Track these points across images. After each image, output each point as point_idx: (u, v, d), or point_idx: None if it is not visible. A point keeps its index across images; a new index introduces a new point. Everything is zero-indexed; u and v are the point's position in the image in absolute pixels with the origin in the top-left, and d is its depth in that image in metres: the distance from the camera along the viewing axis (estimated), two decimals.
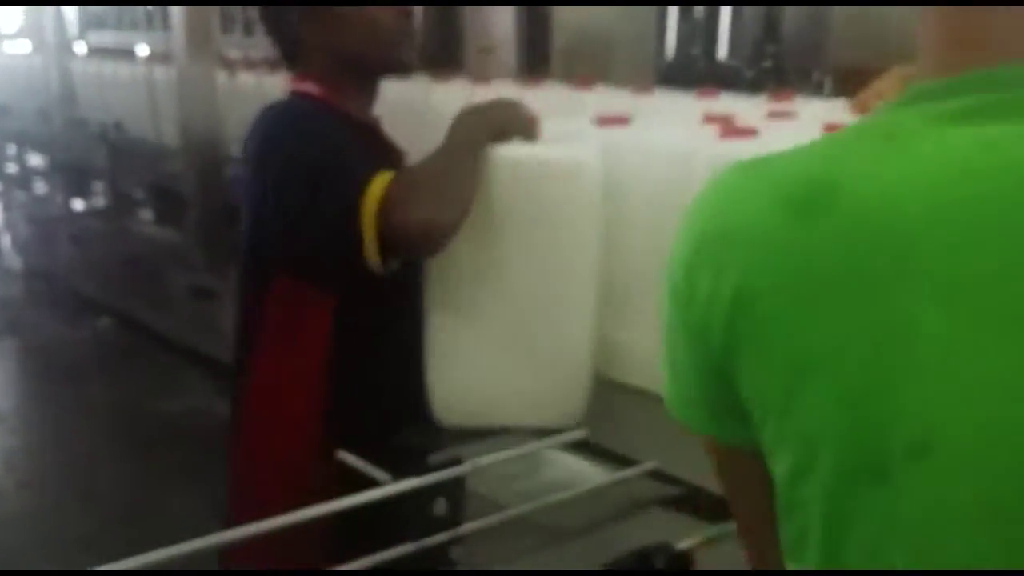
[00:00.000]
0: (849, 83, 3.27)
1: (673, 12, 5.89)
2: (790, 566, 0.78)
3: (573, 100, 2.97)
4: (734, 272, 0.73)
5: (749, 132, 1.75)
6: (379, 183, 1.51)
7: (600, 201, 1.59)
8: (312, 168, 1.55)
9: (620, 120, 1.90)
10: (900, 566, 0.68)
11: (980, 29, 0.72)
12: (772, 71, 5.48)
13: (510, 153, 1.58)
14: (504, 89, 3.34)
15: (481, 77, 3.61)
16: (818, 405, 0.69)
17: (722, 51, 5.88)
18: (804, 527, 0.73)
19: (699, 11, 5.91)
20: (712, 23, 5.88)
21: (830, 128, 1.81)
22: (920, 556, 0.68)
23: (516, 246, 1.56)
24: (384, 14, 1.68)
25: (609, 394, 1.72)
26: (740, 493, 0.87)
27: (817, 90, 4.68)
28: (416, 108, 3.07)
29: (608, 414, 1.68)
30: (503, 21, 4.05)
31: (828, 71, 5.09)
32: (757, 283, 0.71)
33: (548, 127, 1.71)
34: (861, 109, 2.32)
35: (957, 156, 0.68)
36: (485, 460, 1.24)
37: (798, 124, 2.07)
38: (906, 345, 0.66)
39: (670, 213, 1.65)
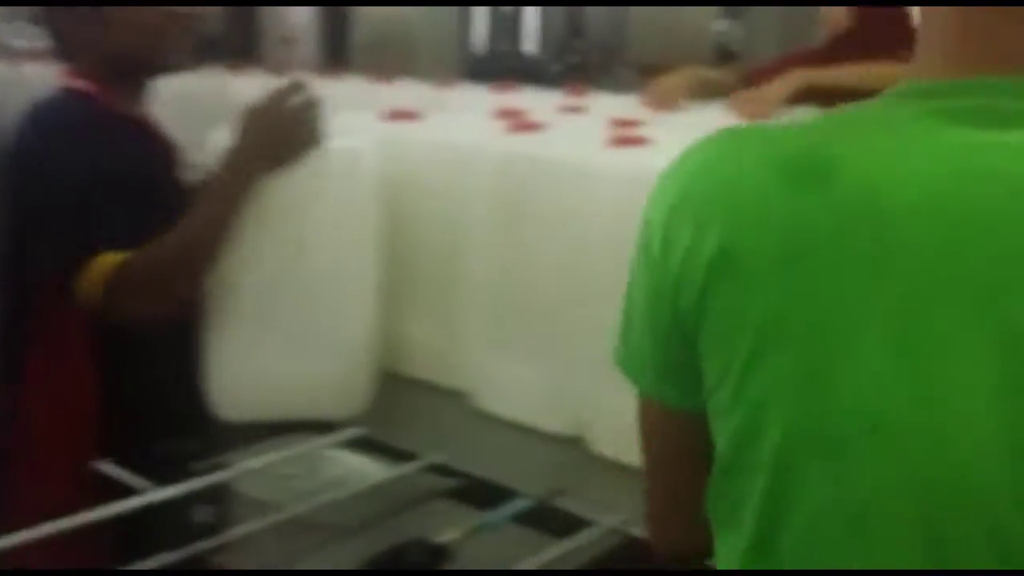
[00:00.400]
0: (648, 78, 3.36)
1: (481, 7, 5.91)
2: (719, 532, 0.79)
3: (372, 93, 2.94)
4: (718, 228, 0.72)
5: (535, 126, 1.76)
6: (103, 265, 1.46)
7: (377, 193, 1.57)
8: (66, 187, 1.51)
9: (409, 115, 1.89)
10: (839, 540, 0.70)
11: (991, 36, 0.73)
12: (577, 66, 5.59)
13: None
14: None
15: (280, 69, 3.54)
16: (781, 372, 0.71)
17: (529, 46, 5.95)
18: (743, 493, 0.74)
19: (506, 7, 5.96)
20: (519, 19, 5.94)
21: (617, 122, 1.84)
22: (860, 532, 0.69)
23: (293, 237, 1.53)
24: (154, 16, 1.62)
25: (395, 390, 1.71)
26: (669, 456, 0.86)
27: (618, 84, 4.78)
28: (212, 101, 2.99)
29: (395, 410, 1.67)
30: (302, 12, 3.97)
31: (629, 66, 5.23)
32: (741, 242, 0.72)
33: (331, 122, 1.68)
34: (652, 104, 2.38)
35: (951, 156, 0.70)
36: (250, 463, 1.21)
37: (586, 119, 2.10)
38: (874, 327, 0.68)
39: (457, 208, 1.67)
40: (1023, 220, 0.67)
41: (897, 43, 2.69)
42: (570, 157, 1.53)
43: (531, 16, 5.94)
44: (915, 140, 0.71)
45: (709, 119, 2.08)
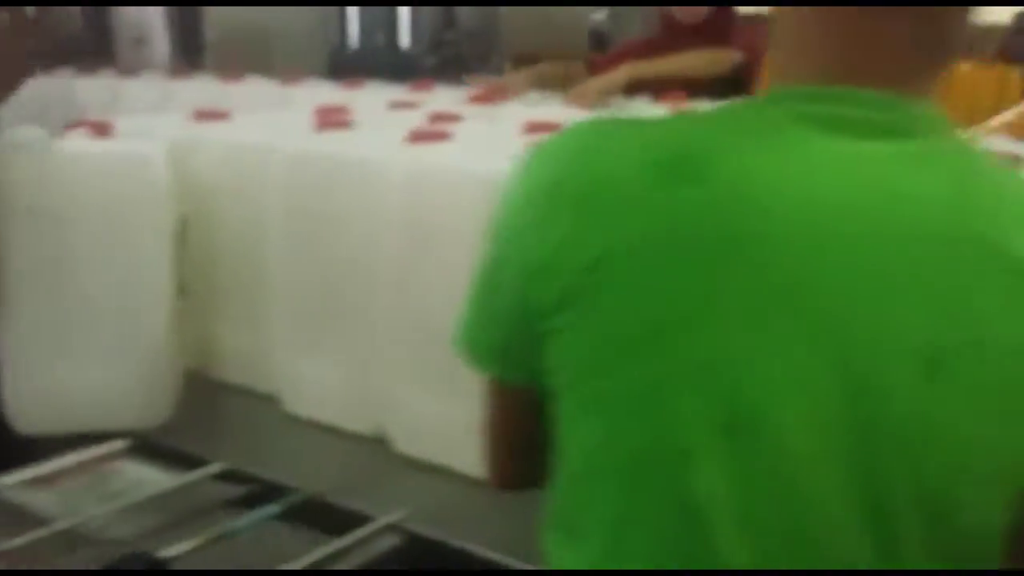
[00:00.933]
0: (522, 66, 3.38)
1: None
2: (552, 531, 0.80)
3: (219, 92, 2.90)
4: (602, 224, 0.71)
5: (344, 124, 1.75)
6: None
7: (168, 197, 1.54)
8: None
9: (218, 115, 1.86)
10: (685, 540, 0.71)
11: (865, 47, 0.74)
12: (452, 58, 5.59)
13: (73, 148, 1.53)
14: (153, 81, 3.26)
15: (131, 69, 3.48)
16: (646, 372, 0.71)
17: (404, 40, 5.95)
18: (596, 497, 0.75)
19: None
20: (392, 14, 5.93)
21: (434, 117, 1.84)
22: (710, 535, 0.70)
23: (83, 242, 1.49)
24: None
25: (208, 395, 1.69)
26: (502, 421, 0.88)
27: (495, 74, 4.81)
28: (61, 102, 2.92)
29: (205, 415, 1.65)
30: (153, 13, 3.91)
31: (503, 56, 5.26)
32: (621, 242, 0.71)
33: (127, 123, 1.66)
34: (483, 99, 2.39)
35: (819, 164, 0.71)
36: (4, 480, 1.18)
37: (411, 114, 2.09)
38: (737, 326, 0.69)
39: (256, 209, 1.65)
40: (880, 231, 0.69)
41: (727, 40, 2.74)
42: (359, 155, 1.52)
43: (403, 11, 5.93)
44: (787, 145, 0.72)
45: (541, 112, 2.08)
